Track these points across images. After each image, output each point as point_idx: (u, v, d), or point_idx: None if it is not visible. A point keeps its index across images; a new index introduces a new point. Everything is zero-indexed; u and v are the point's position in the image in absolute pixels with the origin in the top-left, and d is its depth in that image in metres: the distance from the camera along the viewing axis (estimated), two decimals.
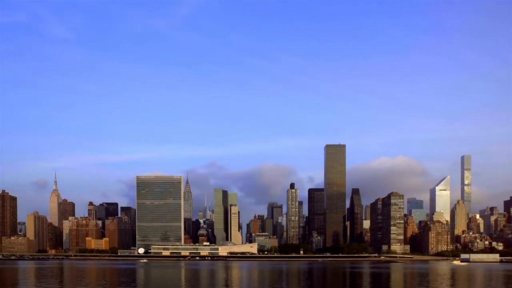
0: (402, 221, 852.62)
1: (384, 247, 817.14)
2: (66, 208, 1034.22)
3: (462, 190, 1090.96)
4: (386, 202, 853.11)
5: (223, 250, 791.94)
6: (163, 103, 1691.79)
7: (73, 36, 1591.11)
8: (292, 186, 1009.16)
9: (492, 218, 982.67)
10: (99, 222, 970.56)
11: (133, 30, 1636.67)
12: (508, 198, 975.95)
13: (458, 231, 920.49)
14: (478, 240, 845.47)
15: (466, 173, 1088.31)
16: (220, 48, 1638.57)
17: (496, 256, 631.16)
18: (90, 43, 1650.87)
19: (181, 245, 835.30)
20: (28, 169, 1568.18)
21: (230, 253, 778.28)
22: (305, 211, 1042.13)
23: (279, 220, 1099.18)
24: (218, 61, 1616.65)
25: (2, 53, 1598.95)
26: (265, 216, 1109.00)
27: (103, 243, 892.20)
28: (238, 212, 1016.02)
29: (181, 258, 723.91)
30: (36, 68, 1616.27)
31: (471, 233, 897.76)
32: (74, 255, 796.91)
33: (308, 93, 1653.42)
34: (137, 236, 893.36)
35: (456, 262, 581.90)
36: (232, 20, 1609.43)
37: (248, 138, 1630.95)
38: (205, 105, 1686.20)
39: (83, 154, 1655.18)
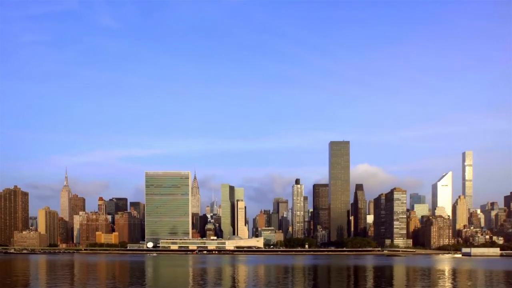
0: (405, 216, 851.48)
1: (387, 241, 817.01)
2: (77, 203, 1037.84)
3: (463, 185, 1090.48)
4: (389, 197, 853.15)
5: (230, 244, 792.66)
6: (192, 96, 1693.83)
7: (119, 26, 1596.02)
8: (297, 181, 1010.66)
9: (493, 213, 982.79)
10: (109, 217, 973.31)
11: (181, 20, 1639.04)
12: (508, 193, 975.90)
13: (459, 225, 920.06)
14: (479, 235, 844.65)
15: (467, 169, 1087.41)
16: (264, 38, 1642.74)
17: (496, 250, 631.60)
18: (135, 32, 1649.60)
19: (189, 239, 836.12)
20: (57, 163, 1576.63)
21: (237, 247, 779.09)
22: (310, 206, 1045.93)
23: (285, 215, 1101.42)
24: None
25: (41, 43, 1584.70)
26: (271, 211, 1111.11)
27: (112, 238, 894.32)
28: (245, 207, 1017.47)
29: (189, 252, 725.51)
30: (76, 59, 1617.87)
31: (472, 227, 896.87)
32: (85, 249, 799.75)
33: (314, 89, 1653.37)
34: (146, 231, 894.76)
35: (457, 256, 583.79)
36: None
37: (253, 133, 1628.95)
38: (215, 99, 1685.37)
39: (110, 148, 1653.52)
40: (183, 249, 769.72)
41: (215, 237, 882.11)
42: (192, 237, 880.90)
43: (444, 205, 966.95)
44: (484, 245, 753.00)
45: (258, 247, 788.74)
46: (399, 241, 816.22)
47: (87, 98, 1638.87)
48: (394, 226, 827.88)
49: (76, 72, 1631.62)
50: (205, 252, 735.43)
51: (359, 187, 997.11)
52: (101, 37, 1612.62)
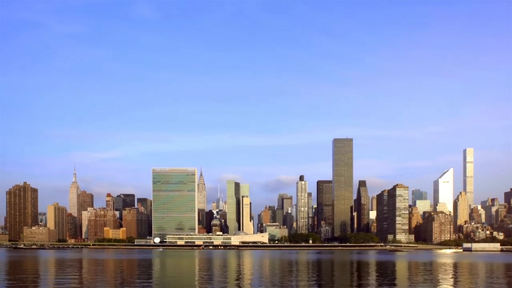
0: (407, 212, 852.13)
1: (390, 237, 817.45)
2: (85, 199, 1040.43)
3: (464, 182, 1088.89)
4: (392, 193, 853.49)
5: (235, 240, 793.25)
6: (197, 93, 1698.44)
7: (157, 17, 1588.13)
8: (301, 178, 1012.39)
9: (493, 209, 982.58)
10: (117, 213, 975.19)
11: (222, 11, 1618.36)
12: (509, 190, 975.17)
13: (460, 221, 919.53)
14: (480, 230, 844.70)
15: (468, 166, 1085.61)
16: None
17: (497, 245, 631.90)
18: (172, 25, 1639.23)
19: (195, 235, 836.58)
20: (66, 160, 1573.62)
21: (242, 242, 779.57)
22: (314, 202, 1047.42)
23: (289, 211, 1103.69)
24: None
25: (75, 36, 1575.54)
26: (275, 207, 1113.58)
27: (120, 233, 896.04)
28: (250, 203, 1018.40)
29: (195, 247, 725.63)
30: (106, 54, 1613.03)
31: (473, 223, 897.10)
32: (93, 245, 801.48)
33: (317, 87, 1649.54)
34: (153, 226, 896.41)
35: (458, 251, 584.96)
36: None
37: (258, 130, 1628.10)
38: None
39: (118, 145, 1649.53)
40: (189, 244, 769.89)
41: (221, 233, 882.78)
42: (198, 232, 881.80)
43: (446, 201, 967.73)
44: (485, 240, 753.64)
45: (263, 243, 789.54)
46: (401, 237, 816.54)
47: (99, 93, 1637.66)
48: (397, 222, 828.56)
49: (103, 67, 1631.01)
50: (211, 247, 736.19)
51: (362, 183, 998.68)
52: (134, 30, 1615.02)
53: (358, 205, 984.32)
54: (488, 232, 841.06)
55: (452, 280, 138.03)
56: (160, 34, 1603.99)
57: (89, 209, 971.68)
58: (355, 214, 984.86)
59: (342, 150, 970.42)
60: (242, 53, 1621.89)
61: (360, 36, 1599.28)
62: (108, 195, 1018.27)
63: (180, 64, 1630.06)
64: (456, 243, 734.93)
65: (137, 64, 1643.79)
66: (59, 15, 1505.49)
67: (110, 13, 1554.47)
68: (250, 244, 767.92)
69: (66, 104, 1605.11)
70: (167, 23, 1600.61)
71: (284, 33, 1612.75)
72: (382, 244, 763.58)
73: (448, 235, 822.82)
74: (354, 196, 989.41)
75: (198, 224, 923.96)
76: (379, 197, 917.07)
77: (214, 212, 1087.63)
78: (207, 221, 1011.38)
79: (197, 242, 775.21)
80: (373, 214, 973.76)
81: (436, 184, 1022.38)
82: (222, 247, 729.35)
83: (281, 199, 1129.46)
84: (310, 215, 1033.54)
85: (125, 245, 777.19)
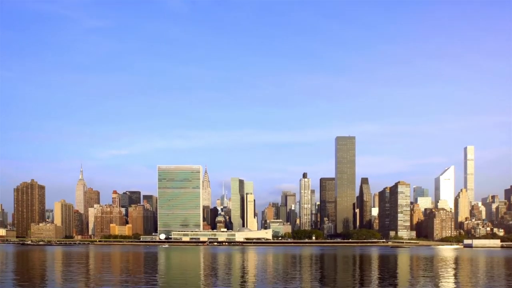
0: (409, 209, 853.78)
1: (392, 233, 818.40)
2: (92, 196, 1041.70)
3: (465, 179, 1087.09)
4: (394, 190, 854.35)
5: (239, 236, 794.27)
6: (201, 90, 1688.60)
7: (187, 10, 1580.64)
8: (304, 175, 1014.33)
9: (494, 206, 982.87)
10: (123, 210, 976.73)
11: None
12: (509, 187, 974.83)
13: (461, 218, 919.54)
14: (480, 227, 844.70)
15: (469, 163, 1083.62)
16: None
17: (497, 242, 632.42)
18: (199, 18, 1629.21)
19: (200, 231, 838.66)
20: (73, 158, 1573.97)
21: (246, 238, 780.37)
22: (317, 199, 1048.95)
23: (293, 208, 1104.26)
24: None
25: (101, 30, 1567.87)
26: (279, 204, 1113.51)
27: (126, 230, 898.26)
28: (254, 200, 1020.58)
29: (200, 244, 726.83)
30: (133, 48, 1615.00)
31: (473, 220, 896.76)
32: (99, 241, 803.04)
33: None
34: (158, 223, 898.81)
35: (459, 247, 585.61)
36: None
37: (261, 128, 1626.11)
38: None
39: (123, 143, 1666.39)
40: (194, 240, 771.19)
41: (225, 229, 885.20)
42: (203, 229, 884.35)
43: (447, 198, 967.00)
44: (485, 236, 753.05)
45: (267, 239, 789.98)
46: (403, 233, 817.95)
47: (104, 90, 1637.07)
48: (398, 219, 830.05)
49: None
50: (215, 243, 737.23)
51: (364, 180, 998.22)
52: (161, 24, 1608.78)
53: (360, 202, 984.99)
54: (488, 228, 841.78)
55: (453, 273, 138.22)
56: (180, 28, 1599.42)
57: (95, 206, 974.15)
58: (357, 211, 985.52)
59: (344, 148, 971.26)
60: (245, 46, 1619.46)
61: (367, 20, 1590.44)
62: (114, 192, 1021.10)
63: (180, 56, 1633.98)
64: (457, 240, 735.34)
65: (141, 58, 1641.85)
66: (87, 8, 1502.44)
67: (136, 7, 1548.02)
68: (254, 240, 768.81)
69: (72, 102, 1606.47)
70: (183, 16, 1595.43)
71: (285, 20, 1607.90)
72: (384, 240, 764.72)
73: (449, 231, 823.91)
74: (357, 193, 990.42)
75: (203, 221, 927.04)
76: (381, 194, 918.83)
77: (219, 209, 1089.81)
78: (211, 217, 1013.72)
79: (202, 239, 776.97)
80: (375, 211, 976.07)
81: (437, 181, 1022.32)
82: (226, 244, 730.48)
83: (285, 196, 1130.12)
84: (313, 212, 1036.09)
85: (131, 241, 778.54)
